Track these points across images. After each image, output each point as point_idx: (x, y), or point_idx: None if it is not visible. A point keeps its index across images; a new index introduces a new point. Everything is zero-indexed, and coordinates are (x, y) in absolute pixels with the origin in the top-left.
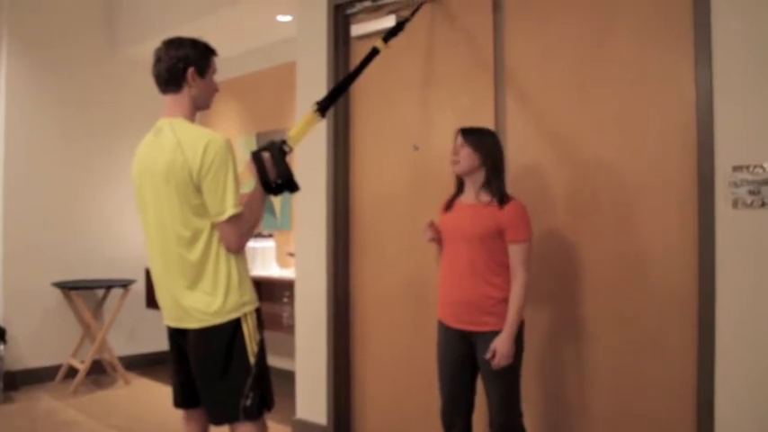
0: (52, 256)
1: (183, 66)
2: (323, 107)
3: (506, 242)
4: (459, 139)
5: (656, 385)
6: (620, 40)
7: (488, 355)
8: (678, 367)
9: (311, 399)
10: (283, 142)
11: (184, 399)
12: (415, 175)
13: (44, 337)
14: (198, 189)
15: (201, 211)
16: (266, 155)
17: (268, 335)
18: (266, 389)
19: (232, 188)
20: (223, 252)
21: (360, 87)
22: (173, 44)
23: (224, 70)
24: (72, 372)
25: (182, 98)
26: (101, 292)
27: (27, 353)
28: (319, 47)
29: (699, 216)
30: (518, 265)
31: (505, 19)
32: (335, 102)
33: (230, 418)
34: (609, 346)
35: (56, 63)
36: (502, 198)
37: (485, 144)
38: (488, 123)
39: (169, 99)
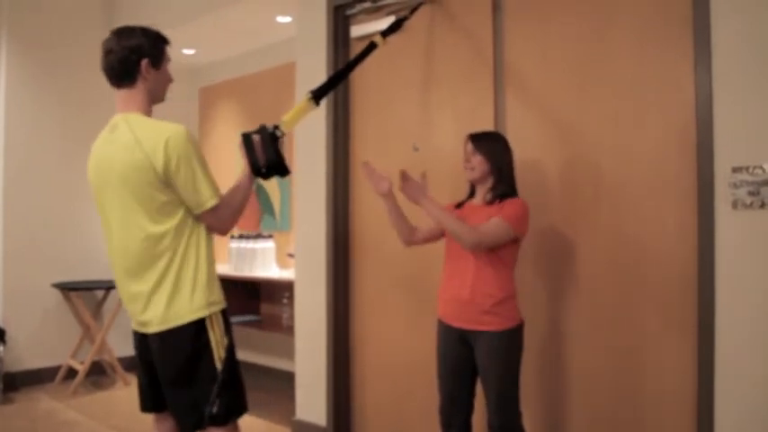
0: (52, 257)
1: (137, 57)
2: (317, 95)
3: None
4: (470, 147)
5: (656, 386)
6: (620, 40)
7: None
8: (678, 368)
9: (311, 400)
10: (276, 127)
11: (153, 402)
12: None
13: (44, 338)
14: (166, 185)
15: (168, 209)
16: (257, 137)
17: (268, 336)
18: (236, 395)
19: (204, 178)
20: (192, 252)
21: (360, 87)
22: (123, 34)
23: (224, 71)
24: (72, 373)
25: (137, 92)
26: (100, 293)
27: (27, 354)
28: (319, 47)
29: (698, 217)
30: (482, 228)
31: (505, 19)
32: (330, 91)
33: (195, 426)
34: (608, 346)
35: (56, 63)
36: (505, 196)
37: (496, 151)
38: (488, 123)
39: (123, 93)
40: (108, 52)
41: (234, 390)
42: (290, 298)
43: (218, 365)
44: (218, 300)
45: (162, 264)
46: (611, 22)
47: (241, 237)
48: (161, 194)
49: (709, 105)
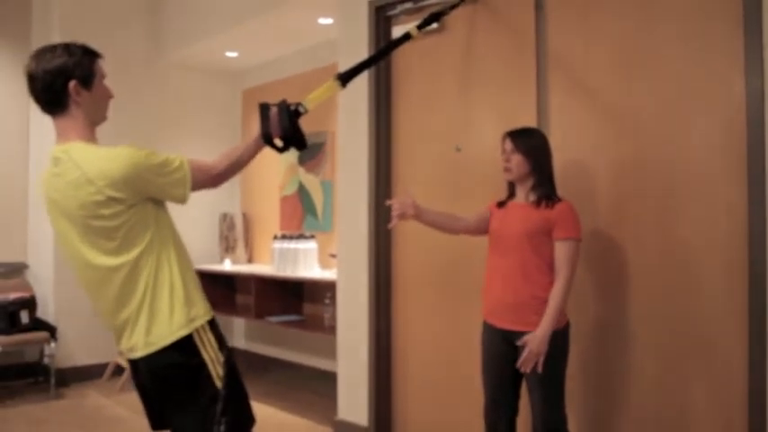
0: None
1: (63, 80)
2: (344, 78)
3: (554, 240)
4: (509, 145)
5: (705, 389)
6: (667, 36)
7: (519, 342)
8: (728, 370)
9: (352, 400)
10: (299, 104)
11: (160, 423)
12: (457, 176)
13: (93, 336)
14: (131, 206)
15: (133, 234)
16: (274, 109)
17: (310, 336)
18: (242, 409)
19: (169, 180)
20: (164, 271)
21: (401, 86)
22: (43, 56)
23: (267, 73)
24: (119, 369)
25: (72, 119)
26: None
27: (77, 351)
28: (360, 48)
29: (749, 216)
30: (563, 263)
31: (548, 16)
32: (357, 76)
33: None
34: (655, 348)
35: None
36: (551, 199)
37: (535, 149)
38: (531, 122)
39: (58, 122)
40: (30, 78)
41: (239, 404)
42: (333, 298)
43: (219, 384)
44: (201, 312)
45: (139, 291)
46: (656, 17)
47: (284, 237)
48: (127, 221)
49: (761, 102)
